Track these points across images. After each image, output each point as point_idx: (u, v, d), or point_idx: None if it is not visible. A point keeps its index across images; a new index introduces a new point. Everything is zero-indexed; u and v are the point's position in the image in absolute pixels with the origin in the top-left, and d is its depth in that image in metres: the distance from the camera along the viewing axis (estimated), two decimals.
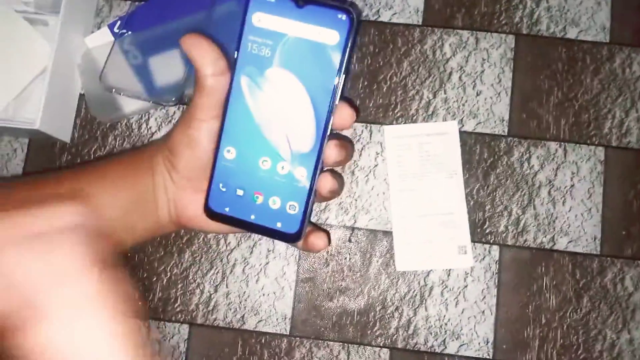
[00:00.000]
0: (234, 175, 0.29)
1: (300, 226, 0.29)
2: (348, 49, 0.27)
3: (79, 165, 0.35)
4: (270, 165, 0.29)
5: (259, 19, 0.28)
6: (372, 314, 0.54)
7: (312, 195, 0.29)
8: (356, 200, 0.57)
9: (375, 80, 0.58)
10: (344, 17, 0.27)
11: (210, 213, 0.30)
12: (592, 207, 0.56)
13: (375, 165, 0.57)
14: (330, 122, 0.28)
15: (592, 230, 0.55)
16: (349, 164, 0.57)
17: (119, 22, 0.59)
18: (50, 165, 0.58)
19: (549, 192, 0.56)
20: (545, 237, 0.55)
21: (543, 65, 0.59)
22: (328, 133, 0.28)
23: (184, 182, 0.31)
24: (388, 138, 0.57)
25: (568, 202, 0.56)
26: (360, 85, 0.58)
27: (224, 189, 0.30)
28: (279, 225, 0.29)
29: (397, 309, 0.54)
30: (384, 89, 0.58)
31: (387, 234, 0.56)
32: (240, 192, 0.29)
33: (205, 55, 0.29)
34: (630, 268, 0.54)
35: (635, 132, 0.57)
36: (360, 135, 0.58)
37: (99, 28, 0.60)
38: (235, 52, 0.28)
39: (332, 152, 0.29)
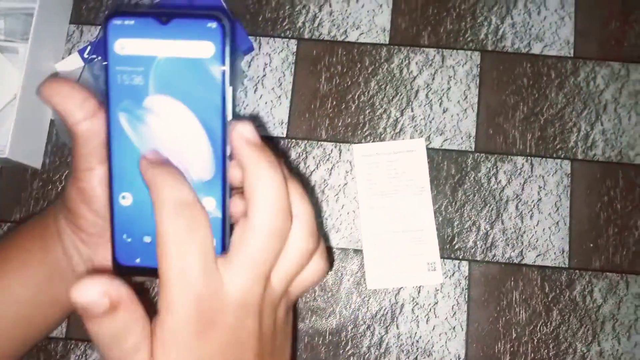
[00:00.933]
0: (137, 222, 0.27)
1: None
2: (227, 58, 0.25)
3: None
4: None
5: (122, 46, 0.25)
6: (344, 333, 0.55)
7: (227, 223, 0.27)
8: (327, 219, 0.57)
9: (343, 99, 0.59)
10: (214, 25, 0.24)
11: (121, 269, 0.27)
12: (560, 220, 0.56)
13: (345, 184, 0.58)
14: (227, 141, 0.26)
15: (560, 243, 0.56)
16: (320, 183, 0.58)
17: (89, 48, 0.59)
18: (22, 192, 0.58)
19: (517, 207, 0.57)
20: (514, 251, 0.56)
21: (508, 80, 0.59)
22: (228, 153, 0.26)
23: (93, 239, 0.29)
24: (357, 157, 0.57)
25: (535, 216, 0.56)
26: (329, 104, 0.59)
27: (129, 240, 0.27)
28: None
29: (368, 327, 0.55)
30: (352, 108, 0.59)
31: (358, 252, 0.56)
32: (148, 239, 0.27)
33: (70, 100, 0.25)
34: (598, 280, 0.55)
35: (601, 144, 0.58)
36: (329, 154, 0.58)
37: (69, 54, 0.61)
38: (105, 87, 0.26)
39: (237, 171, 0.26)
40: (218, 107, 0.25)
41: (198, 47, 0.25)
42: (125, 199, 0.26)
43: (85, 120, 0.26)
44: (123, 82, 0.25)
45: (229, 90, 0.25)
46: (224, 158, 0.26)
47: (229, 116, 0.26)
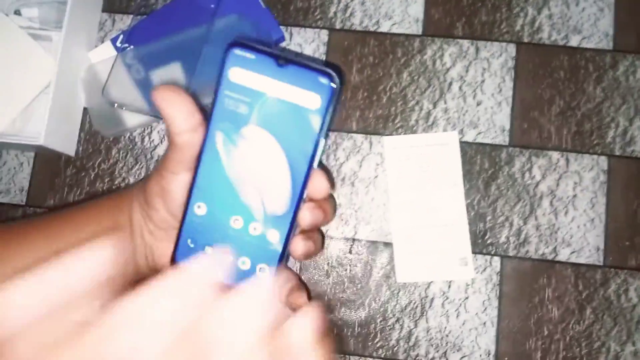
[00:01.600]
0: (203, 232, 0.28)
1: None
2: (329, 115, 0.26)
3: (65, 209, 0.36)
4: (242, 224, 0.28)
5: (237, 75, 0.27)
6: (373, 325, 0.55)
7: (284, 258, 0.28)
8: (356, 211, 0.57)
9: (375, 91, 0.58)
10: (325, 81, 0.26)
11: None
12: (595, 218, 0.55)
13: (376, 176, 0.57)
14: (307, 187, 0.27)
15: (595, 240, 0.55)
16: (349, 175, 0.57)
17: (121, 37, 0.60)
18: (56, 178, 0.59)
19: (551, 203, 0.56)
20: (547, 248, 0.55)
21: (544, 73, 0.58)
22: (304, 197, 0.27)
23: (160, 232, 0.31)
24: (388, 149, 0.57)
25: (570, 213, 0.55)
26: (360, 96, 0.59)
27: (192, 245, 0.28)
28: None
29: (397, 320, 0.54)
30: (384, 100, 0.58)
31: (388, 245, 0.56)
32: (209, 250, 0.28)
33: (178, 112, 0.27)
34: (634, 279, 0.54)
35: (639, 141, 0.56)
36: (360, 146, 0.58)
37: (102, 42, 0.61)
38: (211, 106, 0.27)
39: (307, 215, 0.28)
40: (308, 154, 0.27)
41: (306, 97, 0.26)
42: (200, 209, 0.28)
43: (187, 133, 0.27)
44: (228, 107, 0.27)
45: (321, 142, 0.27)
46: (299, 200, 0.27)
47: (315, 165, 0.27)
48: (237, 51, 0.26)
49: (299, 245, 0.28)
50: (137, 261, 0.32)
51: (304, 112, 0.26)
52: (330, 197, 0.31)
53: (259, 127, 0.27)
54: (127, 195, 0.33)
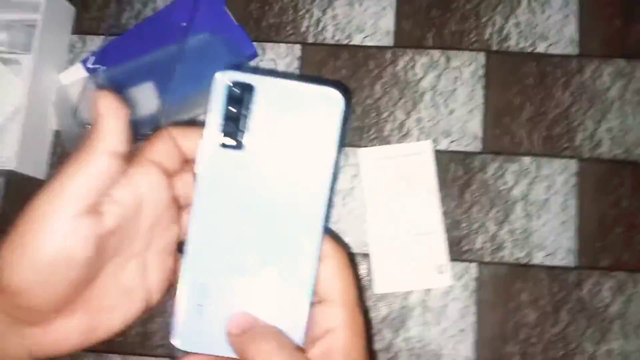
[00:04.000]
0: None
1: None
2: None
3: None
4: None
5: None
6: None
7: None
8: (334, 224, 0.57)
9: (348, 103, 0.59)
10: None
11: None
12: (567, 220, 0.56)
13: (352, 188, 0.58)
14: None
15: (567, 243, 0.56)
16: None
17: (92, 58, 0.59)
18: (26, 204, 0.58)
19: (524, 207, 0.57)
20: (522, 252, 0.56)
21: (514, 80, 0.59)
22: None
23: (43, 315, 0.23)
24: (363, 160, 0.57)
25: (543, 216, 0.56)
26: None
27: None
28: None
29: (378, 331, 0.55)
30: (359, 112, 0.59)
31: (366, 256, 0.56)
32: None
33: (118, 128, 0.23)
34: (607, 279, 0.55)
35: (607, 142, 0.58)
36: None
37: (72, 64, 0.60)
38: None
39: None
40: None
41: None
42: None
43: (114, 158, 0.23)
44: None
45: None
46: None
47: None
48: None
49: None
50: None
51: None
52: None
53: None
54: None
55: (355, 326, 0.24)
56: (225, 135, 0.24)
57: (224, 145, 0.24)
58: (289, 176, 0.24)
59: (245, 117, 0.23)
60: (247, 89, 0.23)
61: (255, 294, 0.24)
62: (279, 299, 0.24)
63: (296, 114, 0.23)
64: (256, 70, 0.24)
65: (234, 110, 0.23)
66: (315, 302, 0.25)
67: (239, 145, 0.24)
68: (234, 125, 0.23)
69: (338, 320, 0.24)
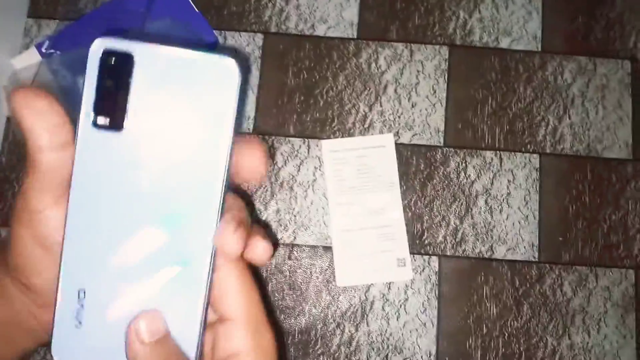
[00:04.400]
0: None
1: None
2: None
3: None
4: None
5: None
6: (314, 332, 0.54)
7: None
8: (295, 216, 0.56)
9: (311, 94, 0.58)
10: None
11: None
12: (529, 215, 0.56)
13: (314, 180, 0.57)
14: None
15: (529, 237, 0.56)
16: (288, 180, 0.56)
17: (47, 42, 0.57)
18: None
19: (486, 201, 0.56)
20: (484, 246, 0.55)
21: (477, 75, 0.59)
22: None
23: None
24: (326, 152, 0.56)
25: (505, 211, 0.56)
26: (297, 99, 0.58)
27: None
28: None
29: (338, 325, 0.54)
30: (321, 104, 0.58)
31: (328, 249, 0.55)
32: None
33: (42, 122, 0.20)
34: (568, 274, 0.55)
35: (569, 138, 0.58)
36: (298, 150, 0.57)
37: (27, 48, 0.58)
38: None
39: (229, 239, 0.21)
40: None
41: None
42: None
43: (53, 151, 0.21)
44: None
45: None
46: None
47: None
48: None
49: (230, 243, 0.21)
50: (38, 338, 0.24)
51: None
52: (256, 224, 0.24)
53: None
54: None
55: (261, 351, 0.22)
56: (99, 114, 0.20)
57: (98, 126, 0.20)
58: (178, 160, 0.20)
59: (124, 92, 0.20)
60: (126, 58, 0.20)
61: (140, 301, 0.21)
62: (167, 310, 0.21)
63: (185, 86, 0.20)
64: (142, 37, 0.19)
65: (109, 84, 0.20)
66: (216, 320, 0.22)
67: (116, 126, 0.20)
68: (110, 102, 0.20)
69: (241, 343, 0.22)
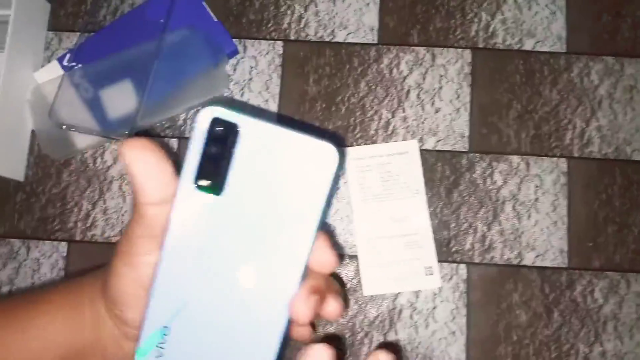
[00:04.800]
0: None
1: None
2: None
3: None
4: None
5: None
6: (342, 341, 0.53)
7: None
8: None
9: (333, 102, 0.58)
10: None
11: None
12: (558, 220, 0.55)
13: (338, 188, 0.56)
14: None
15: (558, 243, 0.55)
16: None
17: (68, 55, 0.58)
18: (5, 205, 0.56)
19: (514, 207, 0.55)
20: (512, 252, 0.54)
21: (501, 78, 0.58)
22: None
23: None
24: (349, 160, 0.56)
25: (533, 216, 0.55)
26: (319, 107, 0.58)
27: None
28: None
29: (366, 334, 0.53)
30: (343, 111, 0.57)
31: (353, 257, 0.55)
32: None
33: (153, 179, 0.21)
34: (599, 280, 0.54)
35: (597, 141, 0.57)
36: None
37: (48, 62, 0.59)
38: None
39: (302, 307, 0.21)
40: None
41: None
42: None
43: (160, 205, 0.21)
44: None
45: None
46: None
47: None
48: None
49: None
50: None
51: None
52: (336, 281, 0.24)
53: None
54: (87, 299, 0.25)
55: None
56: (201, 176, 0.21)
57: (199, 187, 0.21)
58: (267, 230, 0.21)
59: (227, 159, 0.21)
60: (232, 129, 0.21)
61: (214, 349, 0.22)
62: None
63: (283, 163, 0.21)
64: (246, 109, 0.21)
65: (214, 150, 0.21)
66: None
67: (216, 190, 0.21)
68: (212, 167, 0.21)
69: None
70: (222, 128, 0.21)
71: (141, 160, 0.21)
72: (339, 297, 0.23)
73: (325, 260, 0.22)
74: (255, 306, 0.22)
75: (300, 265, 0.21)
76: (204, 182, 0.21)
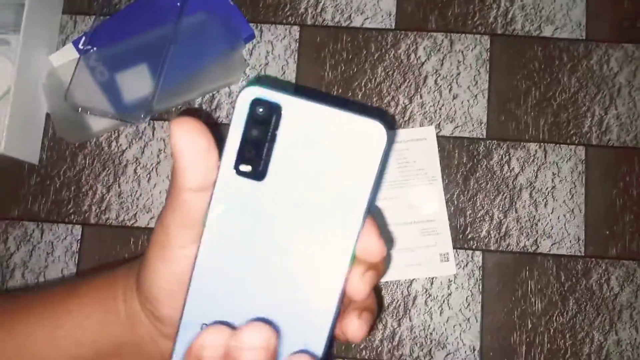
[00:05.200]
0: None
1: None
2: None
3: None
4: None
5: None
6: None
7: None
8: None
9: (349, 87, 0.57)
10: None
11: None
12: (575, 208, 0.55)
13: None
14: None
15: (575, 231, 0.54)
16: None
17: (83, 39, 0.57)
18: (19, 188, 0.56)
19: (530, 194, 0.55)
20: (528, 240, 0.54)
21: (519, 65, 0.58)
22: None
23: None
24: None
25: (550, 204, 0.55)
26: (335, 92, 0.57)
27: None
28: None
29: (380, 320, 0.53)
30: (359, 96, 0.57)
31: None
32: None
33: (198, 162, 0.20)
34: (615, 268, 0.54)
35: (615, 129, 0.56)
36: None
37: (63, 45, 0.58)
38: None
39: (359, 284, 0.21)
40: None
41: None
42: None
43: (200, 192, 0.20)
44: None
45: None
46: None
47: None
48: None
49: (352, 326, 0.21)
50: None
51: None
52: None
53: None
54: (120, 294, 0.25)
55: None
56: (243, 161, 0.20)
57: (241, 173, 0.20)
58: (315, 216, 0.20)
59: (270, 142, 0.20)
60: (274, 110, 0.20)
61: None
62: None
63: (330, 144, 0.20)
64: (289, 89, 0.18)
65: (255, 133, 0.20)
66: None
67: (258, 175, 0.20)
68: (254, 151, 0.20)
69: None
70: (263, 109, 0.20)
71: (190, 142, 0.20)
72: (371, 316, 0.22)
73: (373, 247, 0.20)
74: (304, 297, 0.20)
75: (347, 253, 0.20)
76: (246, 168, 0.20)
